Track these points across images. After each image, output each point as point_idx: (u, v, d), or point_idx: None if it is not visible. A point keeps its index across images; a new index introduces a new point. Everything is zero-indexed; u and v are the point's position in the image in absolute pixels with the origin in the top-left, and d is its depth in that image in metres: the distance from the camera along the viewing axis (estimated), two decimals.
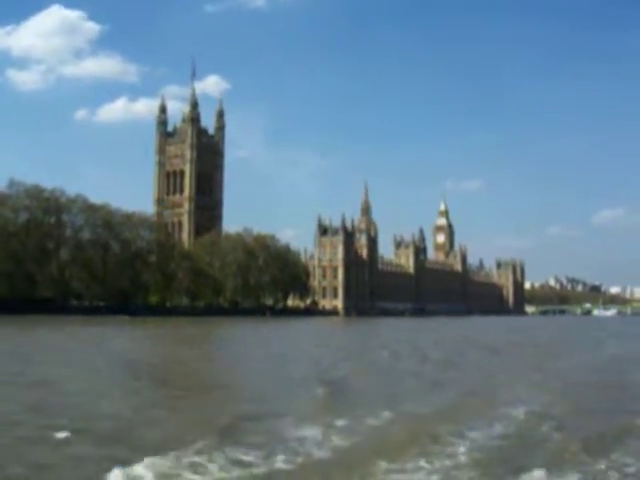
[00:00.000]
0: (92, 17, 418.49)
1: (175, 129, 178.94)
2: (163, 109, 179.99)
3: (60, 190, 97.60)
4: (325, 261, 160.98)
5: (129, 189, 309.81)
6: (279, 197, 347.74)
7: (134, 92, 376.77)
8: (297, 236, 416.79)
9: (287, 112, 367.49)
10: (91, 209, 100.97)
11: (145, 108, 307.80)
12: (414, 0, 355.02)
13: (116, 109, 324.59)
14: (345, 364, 26.25)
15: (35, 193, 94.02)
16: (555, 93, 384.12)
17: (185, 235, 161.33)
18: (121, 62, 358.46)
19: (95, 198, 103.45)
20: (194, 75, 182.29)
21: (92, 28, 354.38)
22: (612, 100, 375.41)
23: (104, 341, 40.35)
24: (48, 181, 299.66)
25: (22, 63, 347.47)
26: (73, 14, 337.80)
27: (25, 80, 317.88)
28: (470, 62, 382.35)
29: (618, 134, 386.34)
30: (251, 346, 39.83)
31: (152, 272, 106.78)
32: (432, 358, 29.06)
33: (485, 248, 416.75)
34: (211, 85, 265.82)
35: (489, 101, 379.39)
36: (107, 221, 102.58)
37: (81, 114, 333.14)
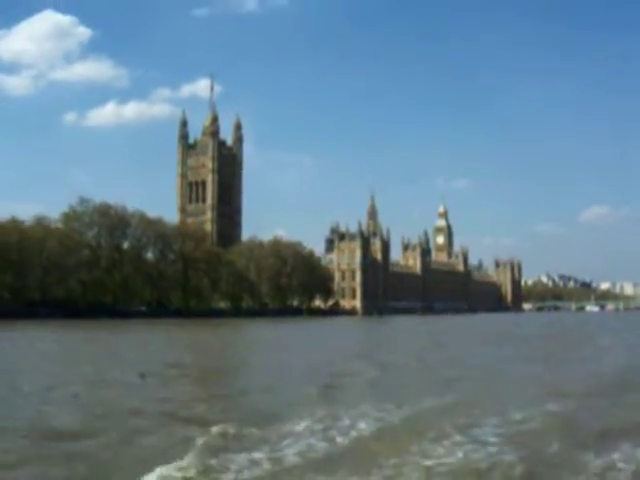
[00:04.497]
0: (84, 22, 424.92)
1: (196, 141, 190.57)
2: (184, 123, 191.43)
3: (123, 206, 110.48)
4: (344, 264, 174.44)
5: (119, 192, 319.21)
6: (270, 198, 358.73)
7: (124, 96, 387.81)
8: (288, 236, 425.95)
9: (277, 114, 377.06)
10: (148, 222, 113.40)
11: (135, 111, 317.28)
12: (402, 4, 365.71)
13: (106, 113, 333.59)
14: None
15: (103, 209, 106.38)
16: (541, 91, 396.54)
17: (207, 241, 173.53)
18: (112, 67, 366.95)
19: None
20: (212, 89, 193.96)
21: (84, 33, 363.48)
22: (598, 98, 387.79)
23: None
24: (35, 186, 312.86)
25: (12, 68, 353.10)
26: (65, 19, 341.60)
27: (15, 85, 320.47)
28: (455, 61, 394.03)
29: (603, 131, 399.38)
30: (361, 342, 50.26)
31: (200, 278, 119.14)
32: (507, 344, 41.66)
33: (474, 247, 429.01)
34: (202, 88, 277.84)
35: (474, 100, 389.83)
36: (162, 233, 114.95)
37: (70, 118, 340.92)
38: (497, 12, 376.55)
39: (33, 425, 13.45)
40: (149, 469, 9.53)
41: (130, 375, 21.93)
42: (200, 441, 11.47)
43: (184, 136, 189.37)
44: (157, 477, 9.29)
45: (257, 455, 10.52)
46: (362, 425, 13.18)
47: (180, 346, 44.35)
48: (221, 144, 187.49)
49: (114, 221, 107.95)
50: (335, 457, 10.77)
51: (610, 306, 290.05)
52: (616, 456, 10.71)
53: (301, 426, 12.98)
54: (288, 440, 11.64)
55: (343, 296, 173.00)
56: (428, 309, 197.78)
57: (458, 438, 11.97)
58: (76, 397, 17.28)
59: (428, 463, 10.29)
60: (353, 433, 12.51)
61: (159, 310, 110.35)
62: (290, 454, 10.70)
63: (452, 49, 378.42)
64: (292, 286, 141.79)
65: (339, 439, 11.96)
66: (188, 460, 10.09)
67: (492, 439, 11.96)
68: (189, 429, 12.75)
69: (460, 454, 10.83)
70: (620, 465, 10.18)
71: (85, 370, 23.60)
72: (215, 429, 12.43)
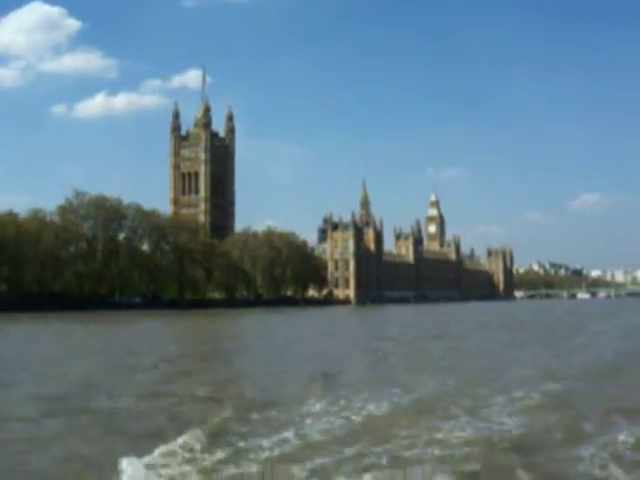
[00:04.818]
0: (73, 13, 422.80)
1: (188, 133, 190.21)
2: (176, 115, 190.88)
3: (118, 199, 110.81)
4: (337, 254, 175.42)
5: (109, 183, 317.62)
6: (262, 188, 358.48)
7: (114, 87, 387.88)
8: (280, 227, 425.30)
9: (267, 104, 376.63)
10: (143, 214, 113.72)
11: (125, 103, 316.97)
12: None
13: (95, 104, 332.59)
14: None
15: (99, 202, 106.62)
16: (537, 83, 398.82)
17: (201, 233, 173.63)
18: (101, 58, 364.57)
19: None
20: (204, 80, 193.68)
21: (73, 24, 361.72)
22: (588, 90, 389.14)
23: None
24: (24, 178, 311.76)
25: (1, 59, 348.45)
26: (54, 10, 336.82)
27: (4, 77, 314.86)
28: (453, 54, 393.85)
29: (600, 122, 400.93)
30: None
31: (196, 269, 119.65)
32: (501, 331, 42.63)
33: (466, 235, 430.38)
34: (192, 79, 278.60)
35: (470, 92, 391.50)
36: (157, 225, 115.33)
37: (59, 110, 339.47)
38: (497, 5, 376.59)
39: (71, 407, 14.41)
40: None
41: (144, 363, 22.82)
42: (226, 423, 12.20)
43: (176, 128, 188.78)
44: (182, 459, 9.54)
45: (285, 434, 11.21)
46: (372, 406, 13.94)
47: (183, 337, 45.23)
48: (213, 135, 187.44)
49: (110, 213, 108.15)
50: (354, 432, 11.54)
51: (602, 293, 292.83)
52: (617, 430, 11.48)
53: (317, 407, 13.73)
54: (309, 420, 12.41)
55: (337, 286, 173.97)
56: (421, 298, 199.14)
57: (466, 415, 12.78)
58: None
59: (440, 436, 11.08)
60: (365, 412, 13.30)
61: (154, 301, 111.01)
62: (314, 432, 11.45)
63: (451, 42, 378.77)
64: (286, 276, 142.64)
65: (354, 417, 12.74)
66: (215, 441, 10.58)
67: (499, 416, 12.76)
68: (214, 411, 13.44)
69: (470, 429, 11.59)
70: (621, 438, 10.91)
71: (100, 359, 24.39)
72: (236, 412, 13.19)
